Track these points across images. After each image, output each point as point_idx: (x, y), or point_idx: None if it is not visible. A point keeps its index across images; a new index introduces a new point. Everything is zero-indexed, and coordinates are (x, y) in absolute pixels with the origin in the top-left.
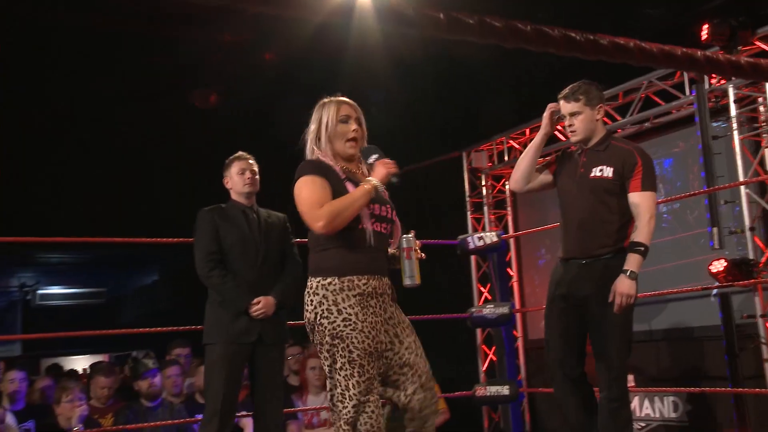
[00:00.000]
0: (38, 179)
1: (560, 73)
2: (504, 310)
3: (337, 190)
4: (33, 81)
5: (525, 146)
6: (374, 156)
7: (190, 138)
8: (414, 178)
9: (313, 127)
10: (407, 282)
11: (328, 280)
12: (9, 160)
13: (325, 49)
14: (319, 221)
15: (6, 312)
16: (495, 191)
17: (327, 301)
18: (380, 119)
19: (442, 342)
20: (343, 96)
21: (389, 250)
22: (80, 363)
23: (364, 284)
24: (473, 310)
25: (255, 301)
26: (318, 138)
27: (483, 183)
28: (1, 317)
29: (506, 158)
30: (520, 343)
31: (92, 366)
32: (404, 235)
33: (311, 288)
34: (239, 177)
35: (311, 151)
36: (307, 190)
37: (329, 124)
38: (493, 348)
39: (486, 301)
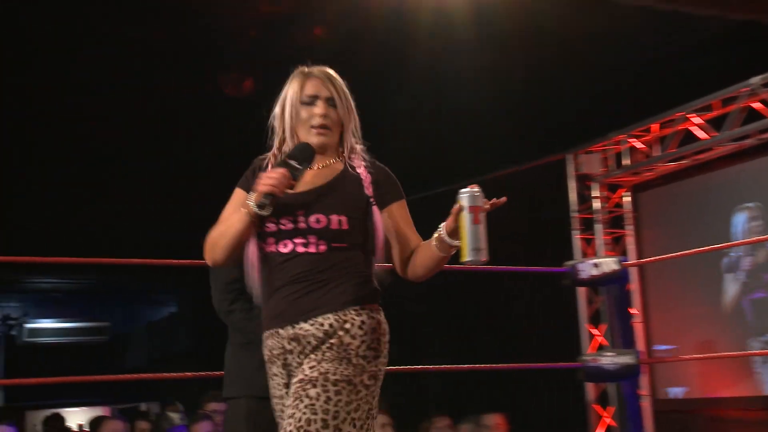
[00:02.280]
0: (23, 187)
1: (689, 55)
2: (627, 359)
3: None
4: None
5: (650, 146)
6: (287, 161)
7: (219, 136)
8: (501, 189)
9: (276, 110)
10: (470, 257)
11: None
12: None
13: (393, 22)
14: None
15: None
16: (611, 204)
17: None
18: (459, 110)
19: (540, 398)
20: (316, 66)
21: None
22: (75, 417)
23: (265, 347)
24: (587, 358)
25: None
26: (281, 127)
27: (595, 194)
28: None
29: (626, 161)
30: (647, 403)
31: (92, 422)
32: (466, 190)
33: None
34: None
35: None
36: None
37: (290, 109)
38: (611, 409)
39: (601, 347)
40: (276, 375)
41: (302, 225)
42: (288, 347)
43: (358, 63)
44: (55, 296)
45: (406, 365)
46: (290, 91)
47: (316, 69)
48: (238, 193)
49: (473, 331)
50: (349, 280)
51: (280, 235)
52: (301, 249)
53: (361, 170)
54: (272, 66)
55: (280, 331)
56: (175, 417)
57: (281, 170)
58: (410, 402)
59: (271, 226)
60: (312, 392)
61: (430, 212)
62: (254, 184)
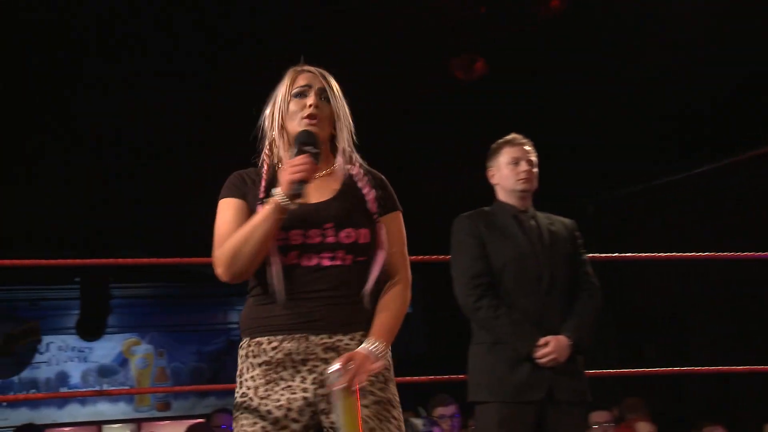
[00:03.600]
0: None
1: None
2: None
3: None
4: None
5: None
6: (303, 149)
7: (449, 121)
8: (725, 179)
9: (267, 110)
10: None
11: (242, 342)
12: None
13: None
14: (218, 267)
15: (225, 354)
16: None
17: (238, 369)
18: (667, 97)
19: None
20: (309, 65)
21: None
22: None
23: (273, 349)
24: None
25: (542, 342)
26: (271, 125)
27: None
28: (223, 361)
29: None
30: None
31: None
32: (331, 368)
33: None
34: (511, 169)
35: (262, 148)
36: (217, 222)
37: (281, 103)
38: None
39: None
40: (284, 379)
41: (331, 239)
42: (323, 356)
43: (600, 34)
44: None
45: (668, 367)
46: (281, 87)
47: (309, 67)
48: (230, 203)
49: (748, 327)
50: (373, 300)
51: (306, 249)
52: (327, 262)
53: (362, 181)
54: (503, 45)
55: (312, 337)
56: (418, 423)
57: (303, 157)
58: (673, 408)
59: (297, 239)
60: (395, 413)
61: (628, 211)
62: (249, 191)
